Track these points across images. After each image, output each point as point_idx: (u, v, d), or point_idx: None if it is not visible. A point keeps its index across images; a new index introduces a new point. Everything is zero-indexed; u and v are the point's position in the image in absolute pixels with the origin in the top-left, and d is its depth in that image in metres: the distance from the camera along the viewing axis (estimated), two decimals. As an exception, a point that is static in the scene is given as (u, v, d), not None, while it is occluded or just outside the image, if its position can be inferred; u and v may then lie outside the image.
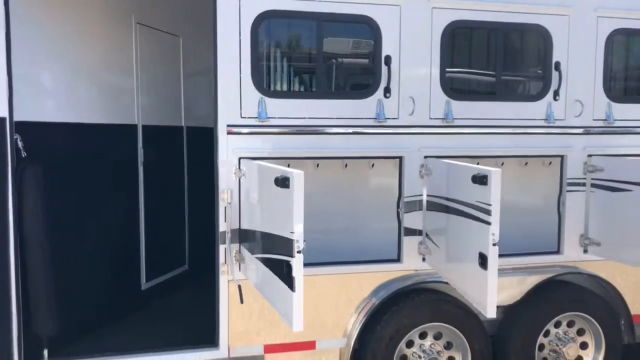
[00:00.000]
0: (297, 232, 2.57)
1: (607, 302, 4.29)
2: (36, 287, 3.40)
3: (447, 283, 3.87)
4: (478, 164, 4.13)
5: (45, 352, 3.58)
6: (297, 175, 2.56)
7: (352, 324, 3.88)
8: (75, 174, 4.05)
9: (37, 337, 3.53)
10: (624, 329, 4.37)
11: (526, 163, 4.28)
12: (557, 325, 4.28)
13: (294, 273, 2.59)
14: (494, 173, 3.08)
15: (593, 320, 4.25)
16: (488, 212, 3.09)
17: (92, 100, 4.37)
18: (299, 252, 2.56)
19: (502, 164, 4.20)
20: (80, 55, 4.22)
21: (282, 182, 2.66)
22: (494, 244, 3.09)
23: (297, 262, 2.57)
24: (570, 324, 4.30)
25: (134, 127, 4.73)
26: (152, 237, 4.88)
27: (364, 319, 3.87)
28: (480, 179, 3.13)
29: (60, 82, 4.12)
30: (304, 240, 2.66)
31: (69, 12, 4.10)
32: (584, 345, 4.33)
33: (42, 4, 3.92)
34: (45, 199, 3.49)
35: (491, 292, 3.14)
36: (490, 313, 3.16)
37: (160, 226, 5.01)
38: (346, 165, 3.88)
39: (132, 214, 4.75)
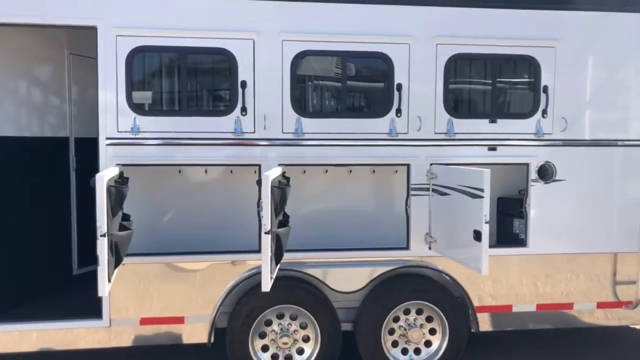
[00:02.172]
0: (98, 222, 3.38)
1: (449, 293, 4.87)
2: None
3: (305, 272, 4.64)
4: (326, 171, 4.91)
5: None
6: (99, 178, 3.36)
7: (218, 304, 4.64)
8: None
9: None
10: (472, 318, 4.94)
11: (374, 171, 4.96)
12: (407, 312, 4.89)
13: (98, 251, 3.38)
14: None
15: (437, 309, 4.85)
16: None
17: (34, 117, 5.35)
18: (102, 235, 3.34)
19: (350, 171, 4.92)
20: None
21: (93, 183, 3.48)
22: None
23: (100, 244, 3.36)
24: (419, 312, 4.91)
25: (67, 139, 5.68)
26: (84, 232, 5.79)
27: (227, 300, 4.63)
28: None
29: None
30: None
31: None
32: (433, 331, 4.93)
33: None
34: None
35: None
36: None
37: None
38: (206, 171, 4.76)
39: (66, 212, 5.68)
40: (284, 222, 4.09)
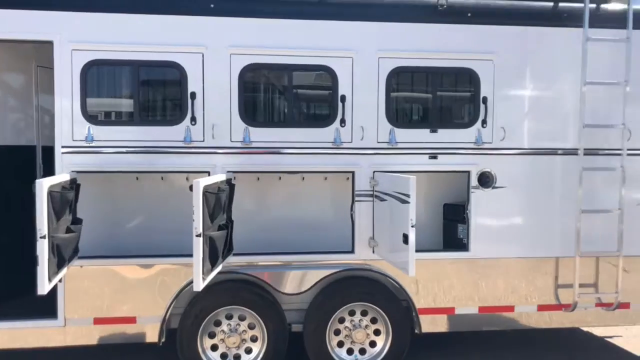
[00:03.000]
0: (38, 225, 3.61)
1: (393, 296, 5.07)
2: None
3: (253, 275, 4.87)
4: (280, 178, 5.14)
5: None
6: (38, 183, 3.61)
7: (169, 305, 4.86)
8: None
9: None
10: (415, 320, 5.14)
11: (325, 178, 5.19)
12: (352, 313, 5.10)
13: (37, 252, 3.61)
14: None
15: (380, 310, 5.05)
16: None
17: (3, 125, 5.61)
18: (42, 237, 3.57)
19: (303, 178, 5.16)
20: None
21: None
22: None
23: (39, 246, 3.59)
24: (364, 313, 5.11)
25: (34, 147, 5.93)
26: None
27: (178, 301, 4.84)
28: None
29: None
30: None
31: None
32: (377, 332, 5.13)
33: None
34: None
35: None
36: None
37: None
38: (162, 178, 5.02)
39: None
40: (224, 226, 4.32)
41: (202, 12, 4.75)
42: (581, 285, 5.19)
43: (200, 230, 3.71)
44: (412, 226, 4.15)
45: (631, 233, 5.19)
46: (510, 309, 5.27)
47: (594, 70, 5.10)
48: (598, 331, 6.40)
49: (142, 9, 4.67)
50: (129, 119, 4.81)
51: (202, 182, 3.77)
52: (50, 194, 3.67)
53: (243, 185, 5.09)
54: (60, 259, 3.84)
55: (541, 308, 5.30)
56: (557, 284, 5.33)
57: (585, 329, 6.37)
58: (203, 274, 3.81)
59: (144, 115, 4.87)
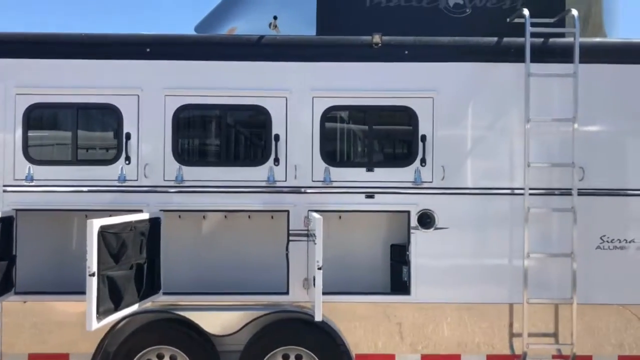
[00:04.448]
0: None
1: (329, 340, 4.88)
2: None
3: (183, 315, 4.85)
4: (226, 217, 5.10)
5: None
6: None
7: (100, 342, 4.88)
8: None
9: None
10: (352, 365, 4.93)
11: (272, 217, 5.13)
12: (286, 357, 4.93)
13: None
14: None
15: (314, 355, 4.87)
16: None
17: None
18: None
19: (249, 217, 5.14)
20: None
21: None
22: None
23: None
24: (298, 357, 4.93)
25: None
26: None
27: (110, 339, 4.85)
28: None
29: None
30: None
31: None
32: (312, 377, 4.95)
33: None
34: None
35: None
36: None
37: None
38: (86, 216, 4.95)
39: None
40: (139, 266, 4.34)
41: (138, 56, 4.94)
42: (532, 335, 4.84)
43: (94, 270, 3.75)
44: (319, 268, 4.03)
45: (587, 279, 4.83)
46: (457, 358, 4.97)
47: (543, 106, 4.90)
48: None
49: (79, 55, 4.92)
50: (66, 160, 4.97)
51: (98, 222, 3.83)
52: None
53: (188, 224, 5.16)
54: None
55: (490, 358, 4.96)
56: (511, 332, 5.00)
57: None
58: (99, 314, 3.83)
59: (83, 155, 5.04)
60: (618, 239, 4.94)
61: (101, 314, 3.88)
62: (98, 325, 3.94)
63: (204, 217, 5.24)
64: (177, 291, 4.93)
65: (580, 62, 4.81)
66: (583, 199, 4.84)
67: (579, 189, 4.82)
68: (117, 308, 4.07)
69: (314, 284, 4.08)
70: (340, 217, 5.17)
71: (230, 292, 4.97)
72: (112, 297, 3.98)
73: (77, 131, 4.95)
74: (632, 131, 5.03)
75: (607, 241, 4.94)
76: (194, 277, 5.12)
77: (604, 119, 5.02)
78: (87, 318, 3.86)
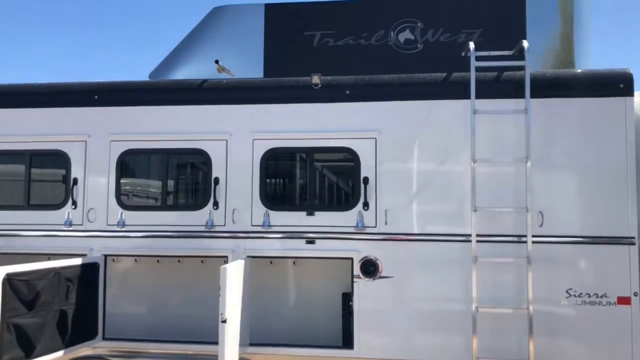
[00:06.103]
0: None
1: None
2: None
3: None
4: (179, 261, 5.06)
5: None
6: None
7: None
8: None
9: None
10: None
11: (202, 261, 5.00)
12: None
13: None
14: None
15: (249, 410, 4.61)
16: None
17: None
18: None
19: (202, 261, 5.03)
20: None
21: None
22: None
23: None
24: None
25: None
26: None
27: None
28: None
29: None
30: None
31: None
32: None
33: None
34: None
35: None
36: None
37: None
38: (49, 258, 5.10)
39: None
40: (61, 313, 4.31)
41: (86, 103, 5.07)
42: (485, 399, 4.34)
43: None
44: (223, 321, 3.82)
45: (544, 338, 4.30)
46: (402, 421, 4.53)
47: (499, 145, 4.52)
48: None
49: (29, 103, 5.13)
50: (19, 205, 5.14)
51: (3, 270, 3.85)
52: None
53: (143, 267, 5.17)
54: None
55: (439, 423, 4.48)
56: (464, 394, 4.51)
57: None
58: (1, 361, 3.82)
59: (34, 199, 5.18)
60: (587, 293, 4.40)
61: (2, 361, 3.87)
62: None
63: (157, 260, 5.22)
64: (132, 337, 4.88)
65: (533, 96, 4.42)
66: (539, 247, 4.36)
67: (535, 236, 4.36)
68: (28, 355, 4.04)
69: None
70: (294, 263, 5.00)
71: (173, 341, 4.84)
72: (21, 344, 3.96)
73: (30, 177, 5.13)
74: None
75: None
76: (152, 323, 5.06)
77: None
78: (-13, 366, 3.88)
